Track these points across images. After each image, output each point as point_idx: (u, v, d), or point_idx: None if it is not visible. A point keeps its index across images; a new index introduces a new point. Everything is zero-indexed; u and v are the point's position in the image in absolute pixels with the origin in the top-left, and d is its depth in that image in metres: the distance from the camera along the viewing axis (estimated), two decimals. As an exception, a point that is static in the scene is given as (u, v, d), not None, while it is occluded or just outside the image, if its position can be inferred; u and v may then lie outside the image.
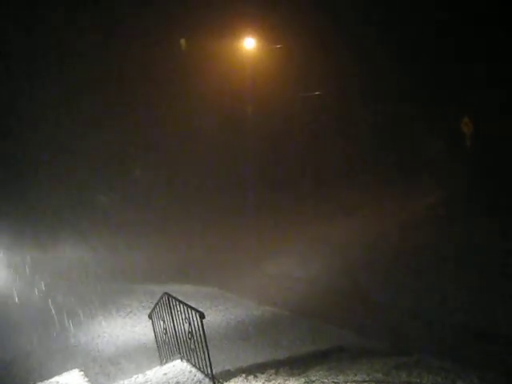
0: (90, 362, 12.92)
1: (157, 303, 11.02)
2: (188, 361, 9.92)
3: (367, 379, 9.28)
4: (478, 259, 15.81)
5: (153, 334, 11.64)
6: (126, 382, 9.98)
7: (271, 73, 29.22)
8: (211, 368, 8.87)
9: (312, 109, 30.59)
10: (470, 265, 15.51)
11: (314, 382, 9.61)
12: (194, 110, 29.88)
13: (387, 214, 22.83)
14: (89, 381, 10.38)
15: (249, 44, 29.33)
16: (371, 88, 28.69)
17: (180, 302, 9.72)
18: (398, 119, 28.19)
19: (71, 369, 11.38)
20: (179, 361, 10.23)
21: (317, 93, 30.69)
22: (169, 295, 10.26)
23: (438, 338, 11.62)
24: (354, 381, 9.21)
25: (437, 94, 26.09)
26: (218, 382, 8.98)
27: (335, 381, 9.47)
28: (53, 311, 16.53)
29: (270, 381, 10.23)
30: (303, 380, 9.84)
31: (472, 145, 24.00)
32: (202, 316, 8.70)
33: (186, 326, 9.38)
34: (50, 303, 17.12)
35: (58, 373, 11.25)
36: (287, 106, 30.39)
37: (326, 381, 9.55)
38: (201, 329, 8.81)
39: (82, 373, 10.81)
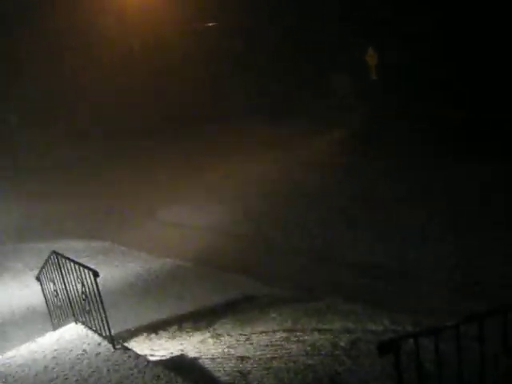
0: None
1: (45, 263, 10.78)
2: (84, 323, 9.83)
3: (276, 328, 9.55)
4: (381, 198, 16.56)
5: (43, 298, 11.38)
6: (14, 351, 9.77)
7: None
8: (109, 329, 8.84)
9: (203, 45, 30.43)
10: (374, 204, 16.19)
11: (220, 335, 9.85)
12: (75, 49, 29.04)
13: (290, 155, 23.28)
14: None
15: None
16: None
17: (70, 260, 9.55)
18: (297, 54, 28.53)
19: None
20: (74, 324, 10.12)
21: (210, 24, 30.45)
22: (57, 253, 10.05)
23: (347, 281, 12.05)
24: (263, 331, 9.46)
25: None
26: (118, 343, 8.95)
27: (242, 332, 9.72)
28: None
29: (173, 338, 10.39)
30: (209, 334, 10.06)
31: (378, 78, 24.61)
32: (95, 274, 8.57)
33: (79, 286, 9.26)
34: None
35: None
36: (175, 41, 30.06)
37: (232, 333, 9.79)
38: (95, 288, 8.71)
39: None
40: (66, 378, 8.00)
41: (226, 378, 7.91)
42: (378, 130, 22.31)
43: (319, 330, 9.06)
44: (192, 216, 18.71)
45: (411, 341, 4.85)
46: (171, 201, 20.35)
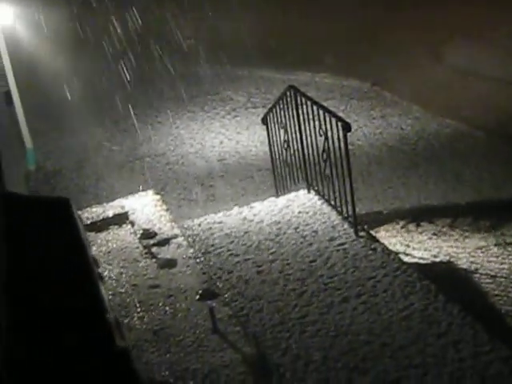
0: (170, 182, 13.60)
1: (276, 102, 11.08)
2: (319, 193, 10.19)
3: None
4: None
5: (267, 148, 11.83)
6: (221, 215, 10.23)
7: None
8: (354, 207, 9.01)
9: None
10: None
11: (509, 244, 9.76)
12: None
13: None
14: (167, 209, 10.48)
15: None
16: None
17: (314, 102, 9.77)
18: None
19: (141, 190, 11.62)
20: (305, 192, 10.53)
21: None
22: (296, 90, 10.28)
23: None
24: None
25: None
26: (362, 228, 9.18)
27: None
28: (114, 102, 17.05)
29: (441, 235, 10.46)
30: (493, 240, 10.00)
31: None
32: (346, 127, 8.71)
33: (321, 140, 9.50)
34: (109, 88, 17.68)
35: (122, 194, 11.57)
36: None
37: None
38: (343, 146, 8.85)
39: (159, 197, 11.01)
40: (287, 264, 8.36)
41: (510, 307, 7.93)
42: None
43: None
44: (497, 64, 18.09)
45: None
46: (468, 38, 19.77)
